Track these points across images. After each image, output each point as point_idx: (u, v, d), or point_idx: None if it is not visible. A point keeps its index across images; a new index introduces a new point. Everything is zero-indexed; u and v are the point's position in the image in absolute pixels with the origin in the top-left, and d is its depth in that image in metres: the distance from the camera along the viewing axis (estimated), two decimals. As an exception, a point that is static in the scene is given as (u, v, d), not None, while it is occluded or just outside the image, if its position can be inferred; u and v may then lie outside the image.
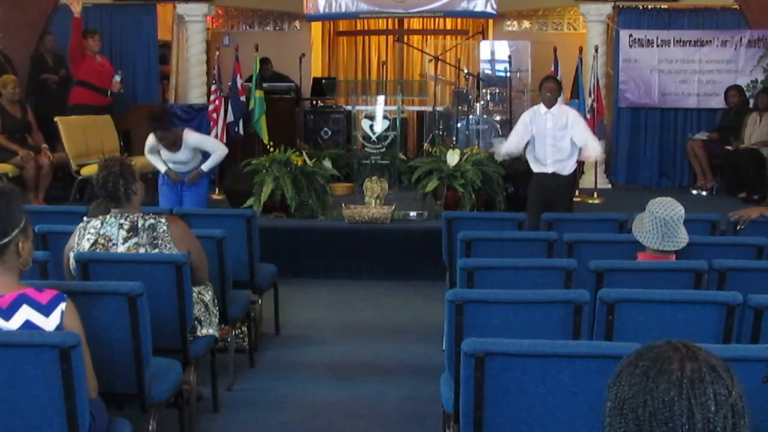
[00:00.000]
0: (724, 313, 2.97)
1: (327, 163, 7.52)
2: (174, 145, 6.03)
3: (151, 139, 6.07)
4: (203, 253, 3.74)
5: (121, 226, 3.53)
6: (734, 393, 1.27)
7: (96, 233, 3.53)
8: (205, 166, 6.21)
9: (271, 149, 7.19)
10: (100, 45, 8.59)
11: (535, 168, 6.07)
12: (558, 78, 7.27)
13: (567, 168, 6.02)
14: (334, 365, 4.70)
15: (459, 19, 11.99)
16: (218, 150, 6.24)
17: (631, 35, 9.51)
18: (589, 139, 6.02)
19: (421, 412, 3.97)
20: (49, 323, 2.42)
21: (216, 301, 3.92)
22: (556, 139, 5.94)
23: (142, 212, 3.62)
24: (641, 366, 1.31)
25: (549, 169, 5.97)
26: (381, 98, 7.92)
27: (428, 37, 12.38)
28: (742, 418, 1.28)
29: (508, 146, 6.16)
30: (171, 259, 3.46)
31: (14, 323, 2.41)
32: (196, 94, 9.59)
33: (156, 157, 6.16)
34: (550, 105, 5.97)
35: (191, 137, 6.09)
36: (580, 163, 8.96)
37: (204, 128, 8.97)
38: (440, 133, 9.45)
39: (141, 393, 3.07)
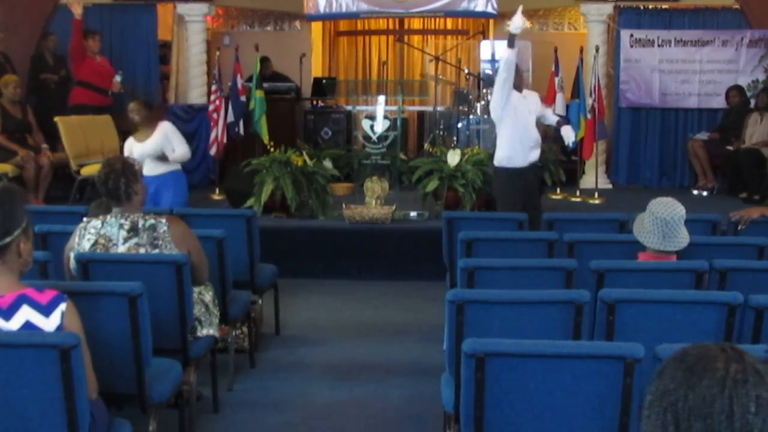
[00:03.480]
0: (725, 314, 2.97)
1: (327, 163, 7.52)
2: (147, 128, 6.11)
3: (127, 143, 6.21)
4: (203, 253, 3.73)
5: (121, 226, 3.53)
6: None
7: (96, 233, 3.53)
8: (171, 156, 6.18)
9: (272, 149, 7.19)
10: (100, 45, 8.59)
11: (509, 162, 5.60)
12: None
13: (536, 156, 5.71)
14: (334, 365, 4.70)
15: (459, 19, 11.99)
16: (185, 147, 6.27)
17: (631, 35, 9.51)
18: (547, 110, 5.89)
19: (422, 413, 3.97)
20: (49, 324, 2.42)
21: (216, 301, 3.92)
22: (529, 124, 5.66)
23: (143, 212, 3.62)
24: (686, 361, 1.31)
25: (526, 162, 5.63)
26: (381, 98, 7.91)
27: (429, 37, 12.38)
28: None
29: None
30: (171, 259, 3.46)
31: (14, 323, 2.40)
32: (196, 94, 9.58)
33: None
34: (520, 89, 5.71)
35: (167, 126, 6.19)
36: (580, 163, 9.00)
37: (204, 128, 9.00)
38: (441, 133, 9.44)
39: (141, 393, 3.07)
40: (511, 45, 5.44)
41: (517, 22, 5.36)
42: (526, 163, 5.65)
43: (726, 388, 1.26)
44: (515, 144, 5.63)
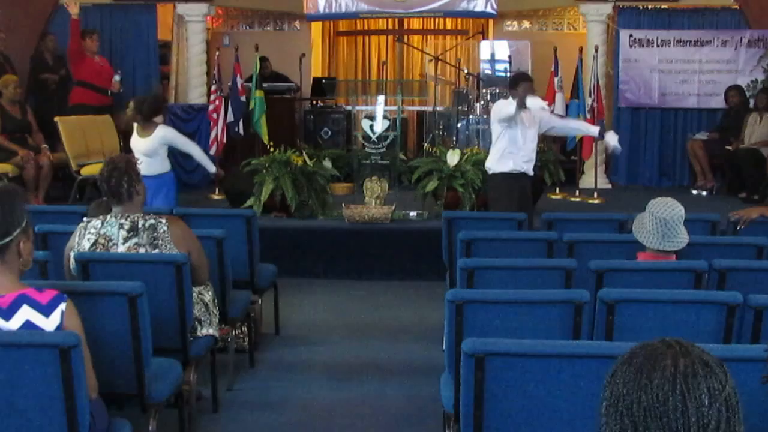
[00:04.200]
0: (724, 313, 2.97)
1: (327, 163, 7.52)
2: (148, 128, 6.07)
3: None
4: (203, 253, 3.74)
5: (121, 226, 3.53)
6: (727, 387, 1.28)
7: (96, 233, 3.53)
8: (206, 163, 6.39)
9: (271, 149, 7.19)
10: (98, 45, 8.58)
11: (507, 167, 5.70)
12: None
13: (528, 169, 5.82)
14: (334, 365, 4.70)
15: (459, 19, 11.99)
16: (194, 144, 6.36)
17: (631, 35, 9.51)
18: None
19: (421, 412, 3.97)
20: (49, 323, 2.42)
21: (216, 301, 3.92)
22: (526, 139, 5.73)
23: (143, 212, 3.62)
24: (635, 363, 1.32)
25: (523, 168, 5.74)
26: (381, 98, 7.92)
27: (428, 37, 12.38)
28: (736, 412, 1.28)
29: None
30: (171, 259, 3.46)
31: (14, 323, 2.41)
32: (196, 94, 9.58)
33: None
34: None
35: (165, 129, 6.17)
36: (580, 163, 9.02)
37: (204, 128, 9.00)
38: (440, 133, 9.44)
39: (141, 393, 3.07)
40: (519, 108, 5.49)
41: (535, 105, 5.55)
42: (517, 171, 5.71)
43: (677, 384, 1.27)
44: (507, 154, 5.70)
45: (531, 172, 5.87)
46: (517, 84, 5.65)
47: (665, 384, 1.27)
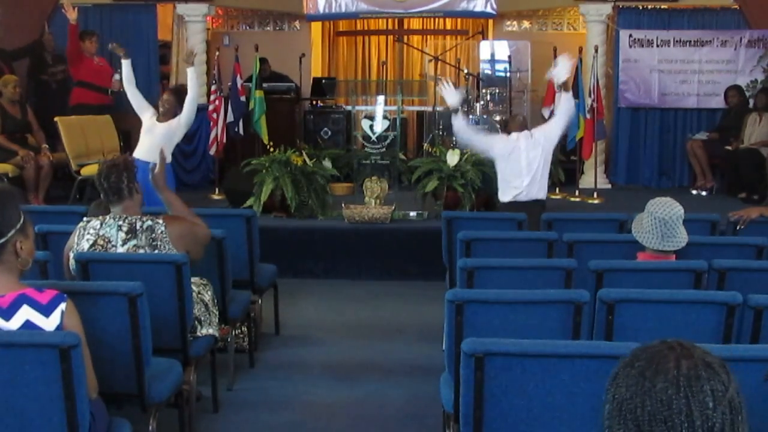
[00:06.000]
0: (724, 313, 2.97)
1: (327, 163, 7.53)
2: (168, 112, 6.25)
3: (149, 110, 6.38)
4: (201, 225, 3.76)
5: (120, 227, 3.53)
6: (731, 389, 1.28)
7: (95, 234, 3.53)
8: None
9: (271, 149, 7.19)
10: (97, 46, 8.58)
11: (508, 196, 5.82)
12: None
13: (542, 191, 5.85)
14: (334, 365, 4.71)
15: (459, 19, 11.99)
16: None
17: (630, 35, 9.51)
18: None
19: (421, 412, 3.97)
20: (49, 323, 2.43)
21: (216, 300, 3.93)
22: (530, 159, 5.77)
23: (142, 213, 3.62)
24: (637, 366, 1.31)
25: (524, 196, 5.76)
26: (381, 98, 7.93)
27: (428, 37, 12.38)
28: (740, 413, 1.28)
29: (472, 139, 5.98)
30: (171, 259, 3.46)
31: (14, 323, 2.41)
32: (195, 94, 9.56)
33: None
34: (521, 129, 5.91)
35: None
36: (580, 163, 9.02)
37: (204, 128, 9.00)
38: (440, 133, 9.44)
39: (141, 393, 3.07)
40: (455, 113, 6.00)
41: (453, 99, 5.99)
42: (513, 197, 5.82)
43: (681, 387, 1.26)
44: (504, 183, 5.90)
45: (539, 196, 5.84)
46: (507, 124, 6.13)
47: (669, 387, 1.26)
